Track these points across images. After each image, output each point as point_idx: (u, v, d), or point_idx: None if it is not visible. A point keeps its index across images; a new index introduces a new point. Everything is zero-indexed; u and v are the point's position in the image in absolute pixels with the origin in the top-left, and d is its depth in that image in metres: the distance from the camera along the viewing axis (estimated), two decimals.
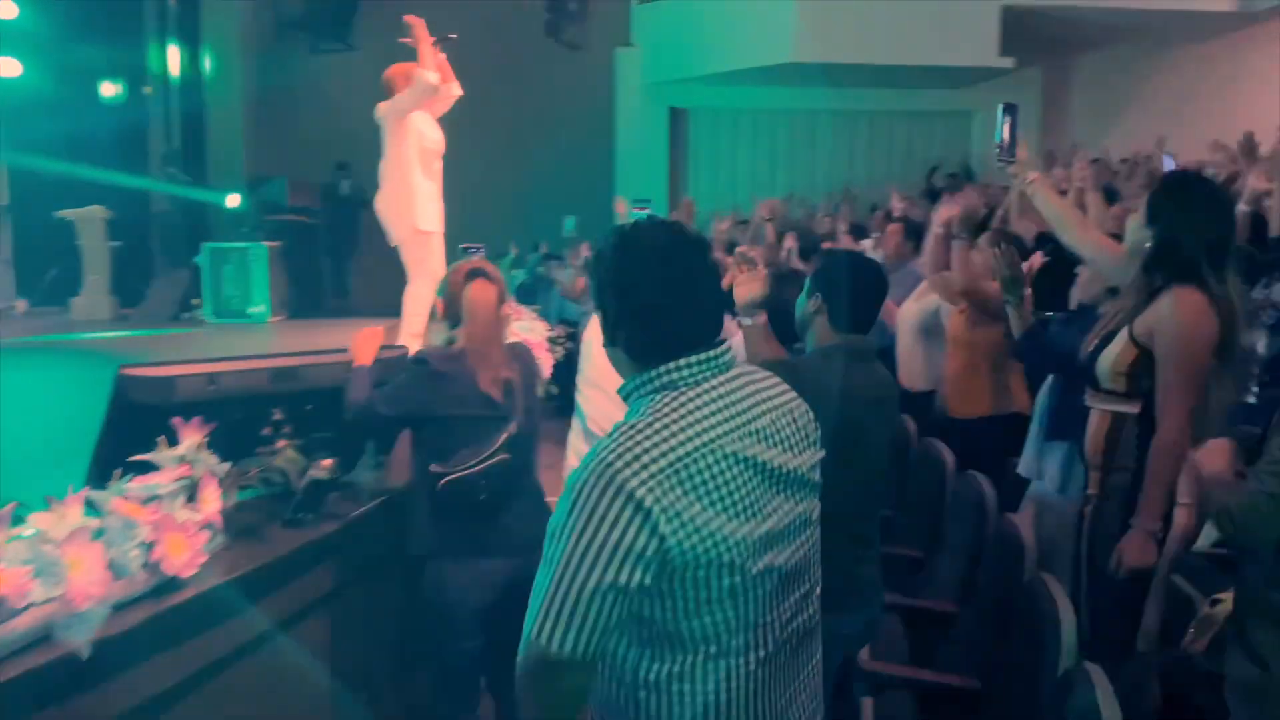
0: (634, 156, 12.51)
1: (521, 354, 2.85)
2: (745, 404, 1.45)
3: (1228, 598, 2.41)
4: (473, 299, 2.67)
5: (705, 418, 1.38)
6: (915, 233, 5.50)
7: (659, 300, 1.41)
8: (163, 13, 9.63)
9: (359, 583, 2.82)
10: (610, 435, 1.37)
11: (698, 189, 12.76)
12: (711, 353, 1.44)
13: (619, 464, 1.31)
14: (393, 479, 3.08)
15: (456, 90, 4.33)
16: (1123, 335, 2.50)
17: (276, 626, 2.42)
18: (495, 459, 2.58)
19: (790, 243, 6.31)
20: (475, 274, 2.71)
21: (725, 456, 1.37)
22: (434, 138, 4.25)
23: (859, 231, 7.15)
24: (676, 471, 1.32)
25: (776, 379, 1.56)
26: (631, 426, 1.36)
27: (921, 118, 12.56)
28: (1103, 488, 2.58)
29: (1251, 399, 3.14)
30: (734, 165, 12.79)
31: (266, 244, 6.88)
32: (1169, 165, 5.69)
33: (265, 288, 6.53)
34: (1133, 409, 2.52)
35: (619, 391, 1.51)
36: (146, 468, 2.28)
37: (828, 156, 12.67)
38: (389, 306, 4.45)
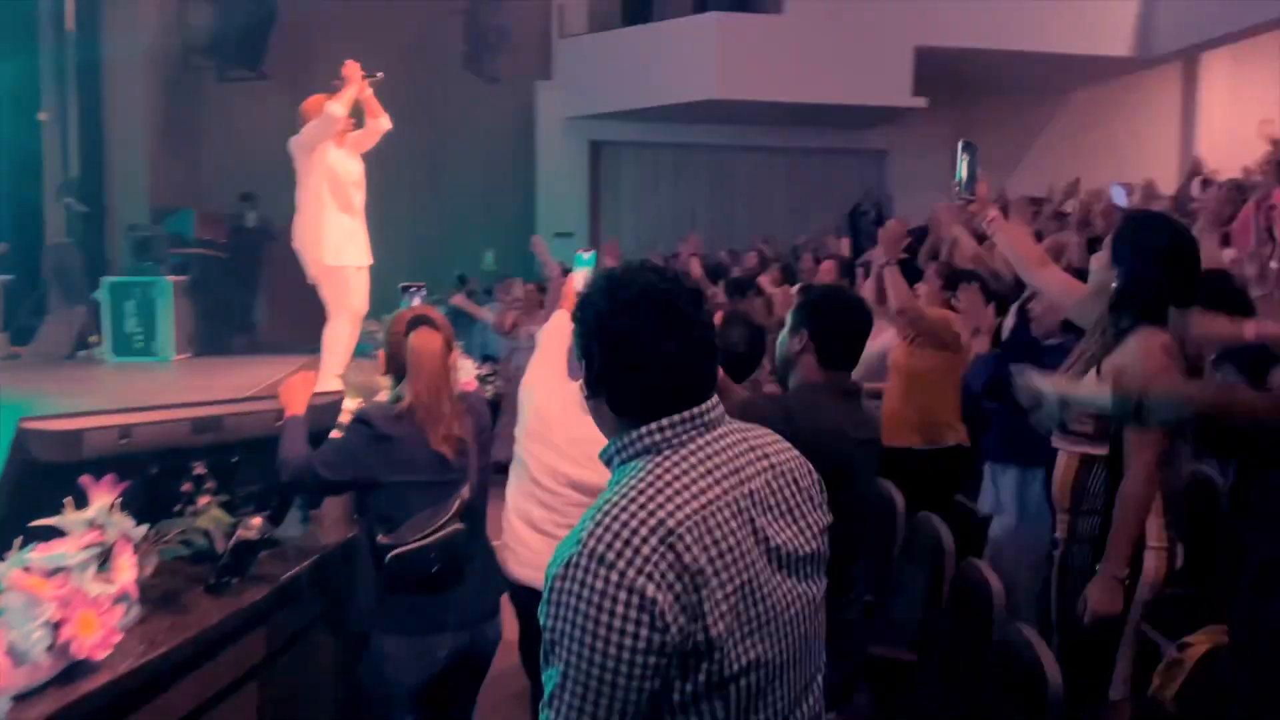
0: (555, 191, 12.42)
1: (475, 405, 2.64)
2: (737, 463, 1.31)
3: (1197, 641, 2.38)
4: (417, 350, 2.45)
5: (691, 484, 1.25)
6: (849, 270, 5.52)
7: (652, 352, 1.28)
8: (60, 37, 9.17)
9: (291, 651, 2.58)
10: (593, 516, 1.22)
11: (619, 223, 12.73)
12: (695, 410, 1.30)
13: (610, 555, 1.17)
14: (325, 535, 2.86)
15: (385, 124, 4.20)
16: (1090, 376, 2.46)
17: (202, 705, 2.18)
18: (448, 529, 2.37)
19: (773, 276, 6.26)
20: (418, 322, 2.49)
21: (715, 528, 1.23)
22: (352, 170, 4.11)
23: (790, 273, 7.15)
24: (671, 547, 1.18)
25: (773, 434, 1.42)
26: (613, 505, 1.22)
27: (839, 156, 12.79)
28: (1071, 530, 2.54)
29: None
30: (656, 200, 12.81)
31: (170, 278, 6.54)
32: (1120, 199, 5.83)
33: (169, 324, 6.21)
34: (1100, 451, 2.48)
35: (600, 455, 1.36)
36: (51, 534, 2.03)
37: (748, 193, 12.78)
38: (300, 343, 4.25)
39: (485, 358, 8.37)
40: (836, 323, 2.38)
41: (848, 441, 2.25)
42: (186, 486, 2.46)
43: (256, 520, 2.34)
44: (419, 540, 2.34)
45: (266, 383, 4.82)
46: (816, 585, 1.37)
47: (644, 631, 1.15)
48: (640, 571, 1.16)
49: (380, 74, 4.08)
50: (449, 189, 12.01)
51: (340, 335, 4.05)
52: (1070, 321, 3.42)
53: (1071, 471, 2.52)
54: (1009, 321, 4.15)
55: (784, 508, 1.33)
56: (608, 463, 1.35)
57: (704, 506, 1.23)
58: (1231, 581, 2.32)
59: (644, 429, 1.29)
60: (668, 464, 1.26)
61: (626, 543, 1.18)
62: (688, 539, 1.19)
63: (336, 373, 4.08)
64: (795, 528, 1.33)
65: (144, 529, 2.18)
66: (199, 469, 2.48)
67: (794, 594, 1.31)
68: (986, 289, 4.13)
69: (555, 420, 2.71)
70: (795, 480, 1.37)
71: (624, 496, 1.23)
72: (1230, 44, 11.31)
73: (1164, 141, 12.58)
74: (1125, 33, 11.11)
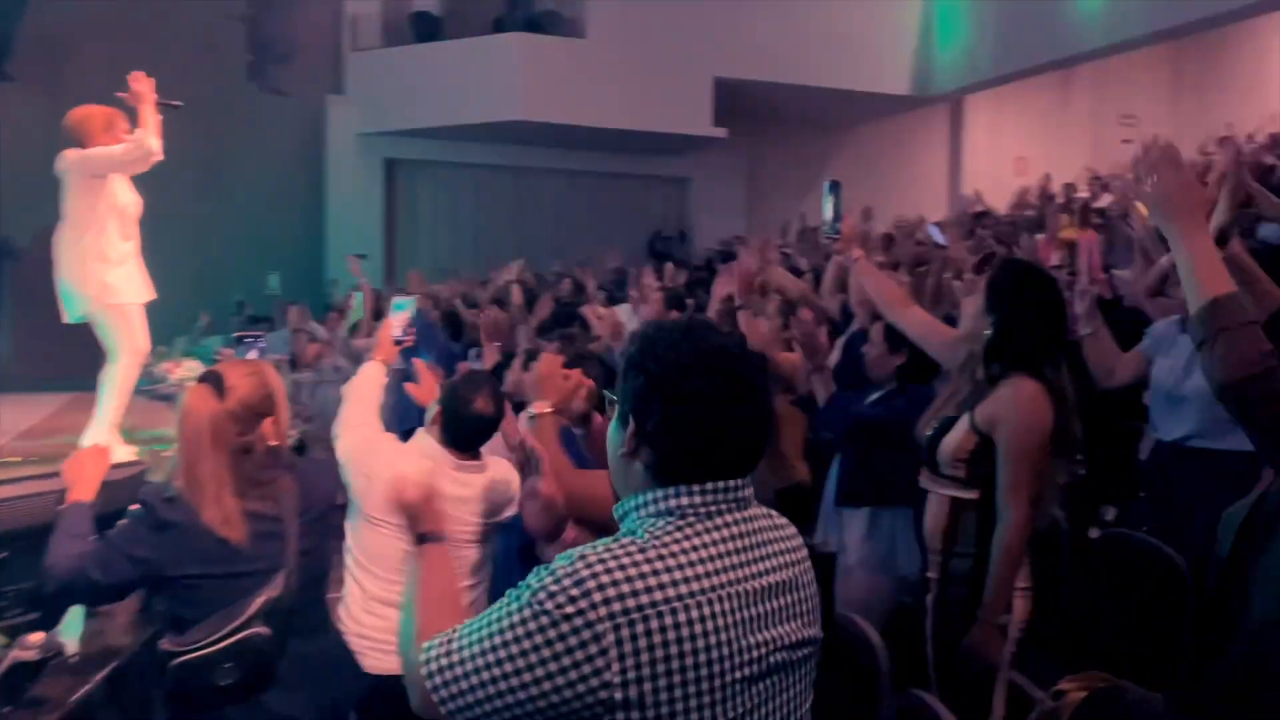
0: (347, 210, 11.78)
1: (305, 473, 2.19)
2: (759, 552, 1.25)
3: (1070, 688, 2.39)
4: (183, 412, 2.02)
5: (712, 559, 1.19)
6: (676, 300, 5.45)
7: (717, 416, 1.23)
8: None
9: None
10: (600, 544, 1.18)
11: (416, 245, 12.25)
12: (735, 482, 1.25)
13: (593, 584, 1.12)
14: (119, 636, 2.39)
15: (159, 154, 3.68)
16: (964, 423, 2.44)
17: None
18: (245, 633, 1.96)
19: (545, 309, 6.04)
20: (204, 379, 2.08)
21: (715, 615, 1.16)
22: (132, 201, 3.60)
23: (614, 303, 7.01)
24: (660, 615, 1.12)
25: (793, 529, 1.33)
26: (627, 543, 1.17)
27: (642, 181, 12.88)
28: (943, 573, 2.50)
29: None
30: (456, 222, 12.41)
31: None
32: (937, 237, 6.05)
33: None
34: (972, 495, 2.46)
35: (615, 511, 1.29)
36: None
37: (552, 216, 12.62)
38: (48, 381, 3.65)
39: None
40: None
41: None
42: None
43: (36, 636, 1.88)
44: (205, 647, 1.93)
45: (14, 432, 4.16)
46: (797, 693, 1.28)
47: (573, 670, 1.11)
48: (611, 618, 1.11)
49: (179, 103, 3.57)
50: (230, 208, 11.10)
51: (126, 377, 3.53)
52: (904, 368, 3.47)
53: (944, 515, 2.49)
54: (834, 356, 4.18)
55: (786, 613, 1.26)
56: (621, 517, 1.28)
57: (711, 589, 1.17)
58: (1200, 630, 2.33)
59: (679, 488, 1.22)
60: (690, 531, 1.20)
61: (616, 584, 1.12)
62: (682, 616, 1.14)
63: (115, 419, 3.55)
64: (795, 628, 1.26)
65: None
66: None
67: (769, 700, 1.22)
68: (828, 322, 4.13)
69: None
70: (806, 584, 1.31)
71: (641, 542, 1.17)
72: (990, 89, 12.31)
73: (935, 175, 13.52)
74: (904, 73, 11.85)
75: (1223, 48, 12.78)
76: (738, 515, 1.24)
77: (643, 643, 1.11)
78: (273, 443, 2.07)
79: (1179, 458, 2.96)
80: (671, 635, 1.12)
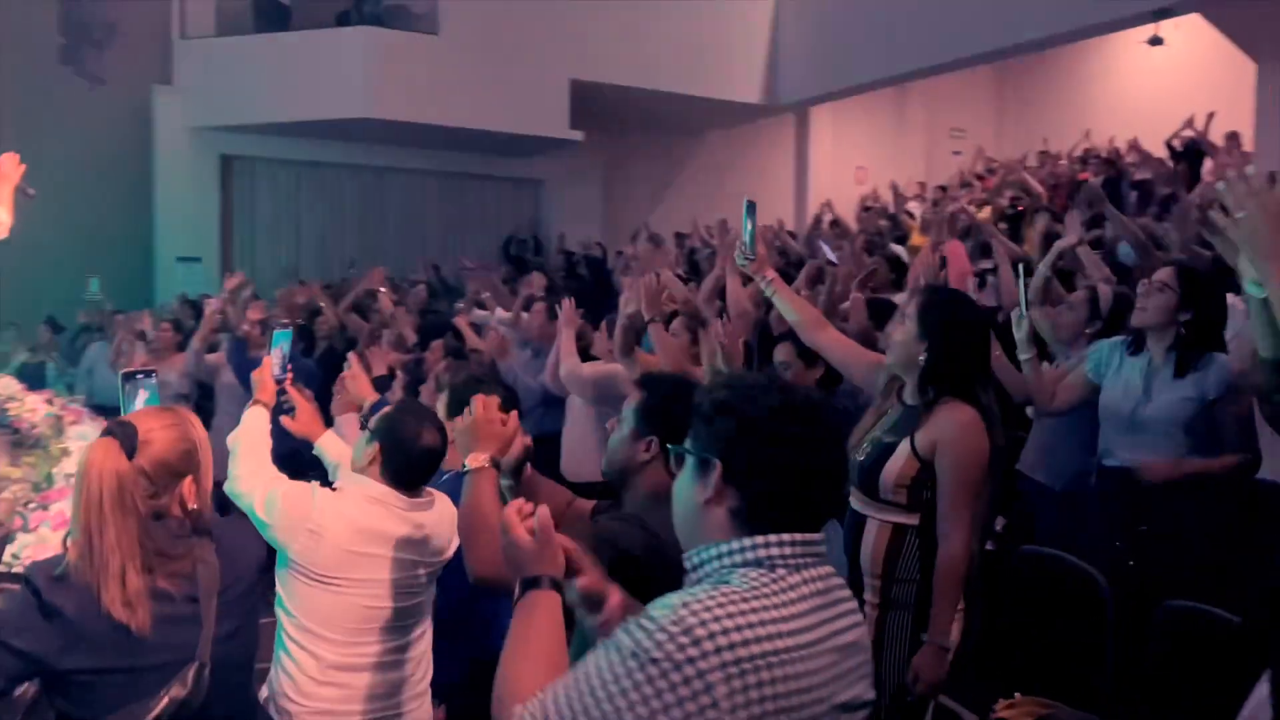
0: (178, 209, 10.98)
1: (227, 544, 1.85)
2: (837, 609, 1.27)
3: (1012, 715, 2.43)
4: (81, 473, 1.71)
5: (806, 613, 1.21)
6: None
7: (811, 463, 1.27)
8: None
9: None
10: (700, 592, 1.18)
11: (254, 247, 11.58)
12: (817, 535, 1.28)
13: (702, 632, 1.12)
14: None
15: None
16: (904, 449, 2.45)
17: None
18: None
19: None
20: (111, 431, 1.75)
21: (819, 670, 1.19)
22: None
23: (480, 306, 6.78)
24: (769, 666, 1.14)
25: (848, 587, 1.33)
26: (729, 592, 1.17)
27: (494, 182, 12.62)
28: (884, 598, 2.50)
29: None
30: (296, 222, 11.78)
31: None
32: (830, 255, 6.10)
33: None
34: (912, 520, 2.46)
35: (688, 559, 1.28)
36: None
37: (400, 217, 12.18)
38: None
39: (99, 408, 6.99)
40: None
41: None
42: None
43: None
44: None
45: None
46: None
47: (688, 709, 1.10)
48: (724, 669, 1.11)
49: (33, 192, 3.15)
50: (45, 205, 10.10)
51: None
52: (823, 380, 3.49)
53: (885, 540, 2.48)
54: None
55: (857, 673, 1.28)
56: (699, 565, 1.28)
57: (810, 644, 1.19)
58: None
59: (769, 539, 1.24)
60: (784, 584, 1.21)
61: (726, 633, 1.12)
62: (779, 670, 1.15)
63: None
64: (860, 695, 1.28)
65: None
66: None
67: None
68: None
69: (315, 546, 2.20)
70: (867, 646, 1.33)
71: (739, 596, 1.17)
72: (834, 101, 12.75)
73: (783, 182, 13.90)
74: (755, 83, 12.09)
75: (1043, 70, 13.72)
76: (820, 570, 1.27)
77: (753, 694, 1.12)
78: (191, 506, 1.79)
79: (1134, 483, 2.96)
80: (780, 689, 1.14)
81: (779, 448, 1.27)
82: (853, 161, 14.12)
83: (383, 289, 6.60)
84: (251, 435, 2.43)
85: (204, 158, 11.06)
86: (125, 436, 1.73)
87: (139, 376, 2.25)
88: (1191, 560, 2.84)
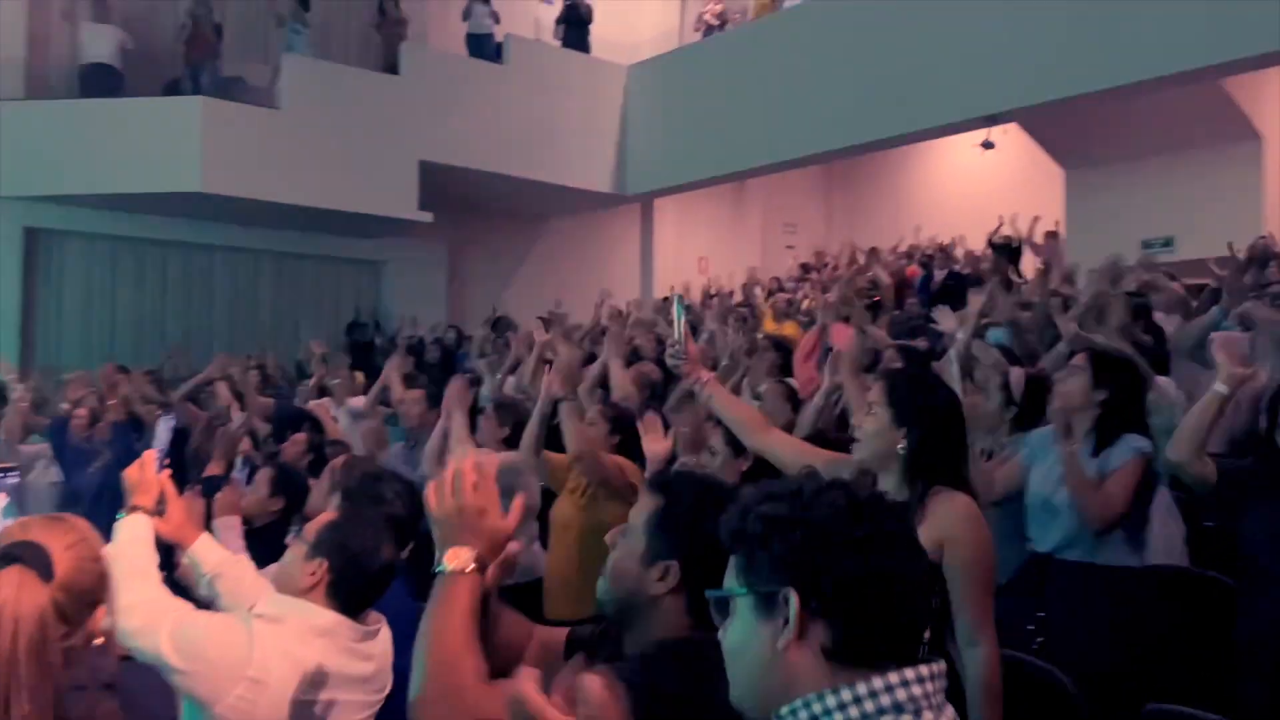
0: None
1: (134, 690, 1.46)
2: None
3: None
4: None
5: None
6: (437, 400, 4.96)
7: (894, 566, 1.05)
8: None
9: None
10: None
11: (61, 329, 10.51)
12: (934, 669, 1.05)
13: None
14: None
15: None
16: None
17: None
18: None
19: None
20: (15, 553, 1.35)
21: None
22: None
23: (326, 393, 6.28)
24: None
25: None
26: None
27: (333, 264, 12.04)
28: None
29: None
30: (112, 303, 10.75)
31: None
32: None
33: None
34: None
35: (782, 714, 1.03)
36: None
37: (229, 299, 11.37)
38: None
39: None
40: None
41: None
42: None
43: None
44: None
45: None
46: None
47: None
48: None
49: None
50: None
51: None
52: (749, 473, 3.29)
53: None
54: None
55: None
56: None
57: None
58: None
59: (906, 673, 1.02)
60: None
61: None
62: None
63: None
64: None
65: None
66: None
67: None
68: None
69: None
70: None
71: None
72: (676, 193, 13.07)
73: (629, 269, 14.01)
74: (605, 172, 12.22)
75: (870, 170, 14.58)
76: (951, 709, 1.07)
77: None
78: (98, 642, 1.41)
79: (1050, 569, 2.93)
80: None
81: (864, 555, 1.04)
82: (695, 251, 14.44)
83: (223, 379, 5.95)
84: (135, 553, 1.94)
85: (5, 230, 9.98)
86: (37, 561, 1.31)
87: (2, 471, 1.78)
88: (1101, 646, 2.81)
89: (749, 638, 1.07)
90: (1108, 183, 10.50)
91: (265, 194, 9.78)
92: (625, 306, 9.26)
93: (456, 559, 1.41)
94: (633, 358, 6.01)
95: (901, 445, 2.26)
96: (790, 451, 2.59)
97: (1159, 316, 5.32)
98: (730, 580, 1.10)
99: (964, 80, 8.75)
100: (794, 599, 1.02)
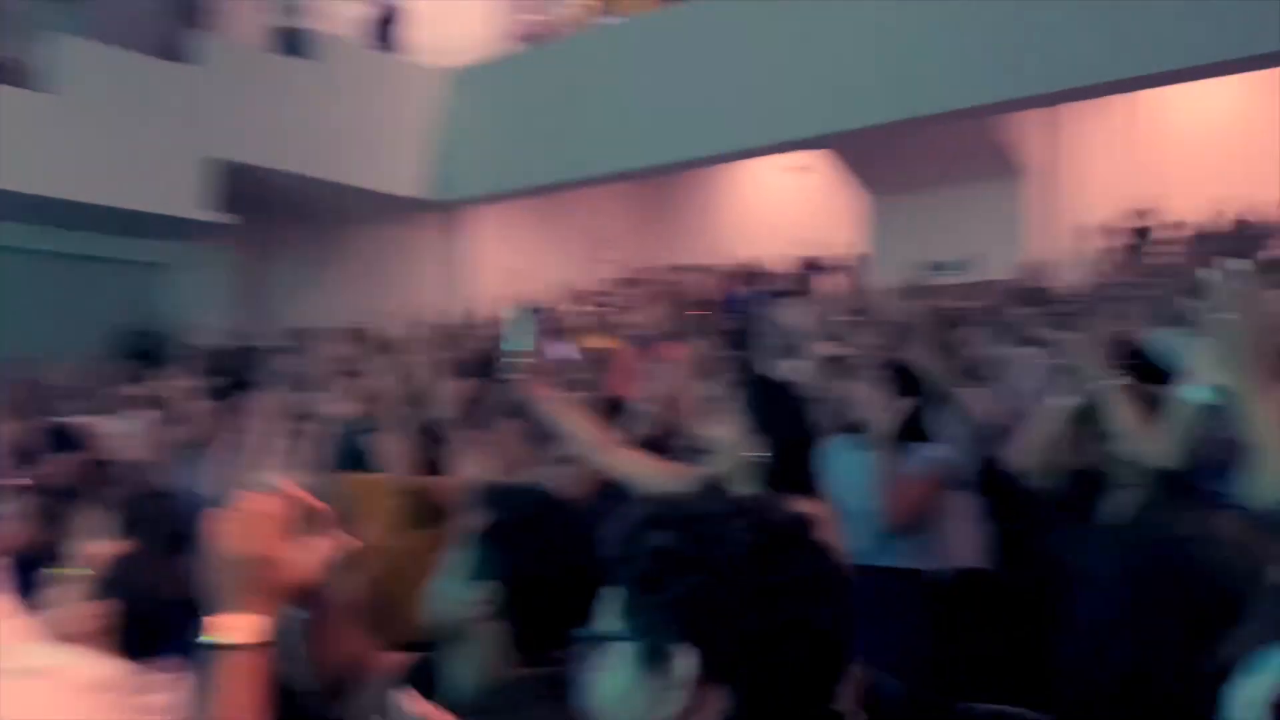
0: None
1: None
2: None
3: None
4: None
5: None
6: (223, 413, 4.50)
7: (817, 618, 0.88)
8: None
9: None
10: None
11: None
12: None
13: None
14: None
15: None
16: None
17: None
18: None
19: None
20: None
21: None
22: None
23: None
24: None
25: None
26: None
27: (101, 265, 10.90)
28: None
29: None
30: None
31: None
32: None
33: None
34: None
35: None
36: None
37: None
38: None
39: None
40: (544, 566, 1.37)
41: None
42: None
43: None
44: None
45: None
46: None
47: None
48: None
49: None
50: None
51: None
52: None
53: None
54: None
55: None
56: None
57: None
58: None
59: None
60: None
61: None
62: None
63: None
64: None
65: None
66: None
67: None
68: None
69: None
70: None
71: None
72: (491, 203, 12.81)
73: (435, 278, 13.57)
74: (414, 178, 11.80)
75: (682, 188, 14.85)
76: None
77: None
78: None
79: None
80: None
81: (775, 607, 0.86)
82: (510, 263, 14.19)
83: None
84: None
85: None
86: None
87: None
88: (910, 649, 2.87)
89: (631, 692, 0.88)
90: (909, 209, 11.06)
91: (28, 186, 8.78)
92: (434, 318, 8.92)
93: (233, 628, 1.10)
94: (444, 372, 5.74)
95: (758, 454, 2.17)
96: (644, 470, 2.44)
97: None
98: (608, 618, 0.91)
99: (776, 105, 9.02)
100: (690, 660, 0.85)
